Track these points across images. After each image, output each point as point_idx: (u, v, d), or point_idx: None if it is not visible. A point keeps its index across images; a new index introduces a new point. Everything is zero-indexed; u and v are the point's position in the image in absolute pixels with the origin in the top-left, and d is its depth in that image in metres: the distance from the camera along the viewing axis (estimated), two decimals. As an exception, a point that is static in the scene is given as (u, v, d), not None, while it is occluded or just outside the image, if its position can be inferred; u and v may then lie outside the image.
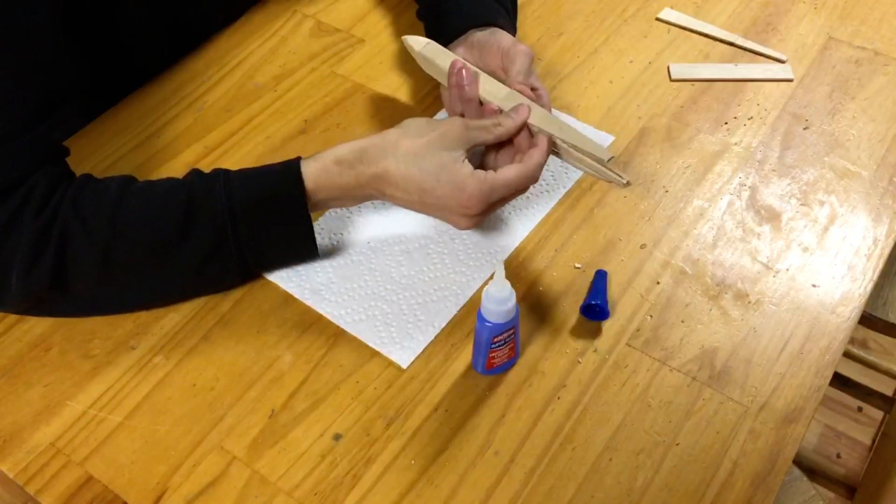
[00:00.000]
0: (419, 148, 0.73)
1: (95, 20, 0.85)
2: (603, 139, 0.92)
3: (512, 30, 0.89)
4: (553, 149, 0.76)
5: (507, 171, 0.73)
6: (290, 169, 0.74)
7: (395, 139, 0.74)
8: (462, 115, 0.80)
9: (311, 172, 0.74)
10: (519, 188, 0.74)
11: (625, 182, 0.74)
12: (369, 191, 0.75)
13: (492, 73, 0.82)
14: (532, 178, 0.74)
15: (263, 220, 0.74)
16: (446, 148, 0.73)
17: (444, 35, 0.88)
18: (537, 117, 0.76)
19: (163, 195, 0.73)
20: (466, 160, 0.73)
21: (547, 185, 0.87)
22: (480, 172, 0.72)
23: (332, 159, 0.74)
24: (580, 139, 0.75)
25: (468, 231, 0.82)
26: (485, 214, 0.74)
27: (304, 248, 0.78)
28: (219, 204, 0.72)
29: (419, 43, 0.84)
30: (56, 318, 0.76)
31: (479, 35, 0.86)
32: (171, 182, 0.75)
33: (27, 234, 0.69)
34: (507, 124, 0.75)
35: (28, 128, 0.71)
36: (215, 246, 0.73)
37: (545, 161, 0.75)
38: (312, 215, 0.75)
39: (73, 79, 0.78)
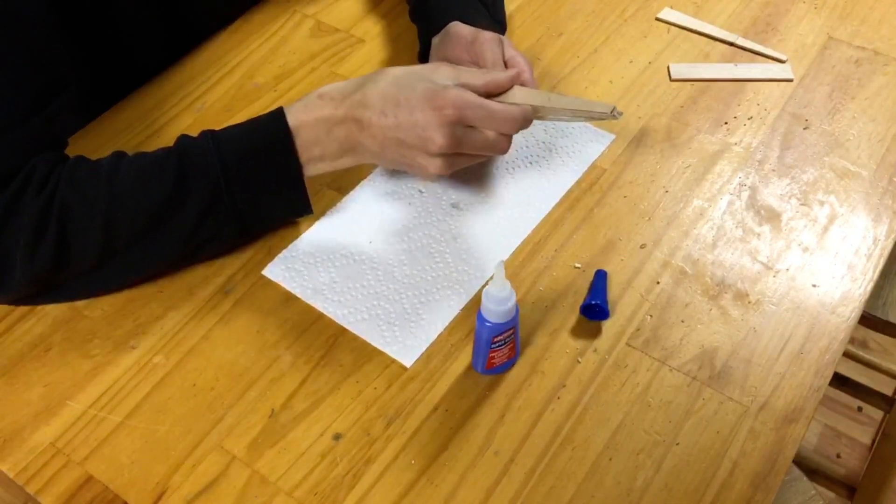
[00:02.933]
0: (403, 71, 0.74)
1: (91, 15, 0.85)
2: (603, 139, 0.92)
3: (479, 16, 0.89)
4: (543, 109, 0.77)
5: (489, 101, 0.73)
6: (274, 116, 0.74)
7: (380, 70, 0.75)
8: None
9: (296, 109, 0.74)
10: (495, 123, 0.73)
11: (610, 112, 0.75)
12: (351, 127, 0.73)
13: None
14: (511, 119, 0.74)
15: (254, 169, 0.74)
16: (432, 75, 0.73)
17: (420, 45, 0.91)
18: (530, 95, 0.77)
19: (155, 161, 0.74)
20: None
21: (547, 184, 0.87)
22: (460, 87, 0.72)
23: (316, 94, 0.75)
24: (574, 103, 0.77)
25: (468, 231, 0.82)
26: (459, 141, 0.73)
27: (295, 195, 0.77)
28: (209, 158, 0.73)
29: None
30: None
31: (436, 40, 0.87)
32: (161, 149, 0.76)
33: (28, 214, 0.70)
34: (499, 75, 0.75)
35: (25, 118, 0.72)
36: (211, 202, 0.74)
37: (527, 116, 0.75)
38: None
39: (69, 70, 0.78)
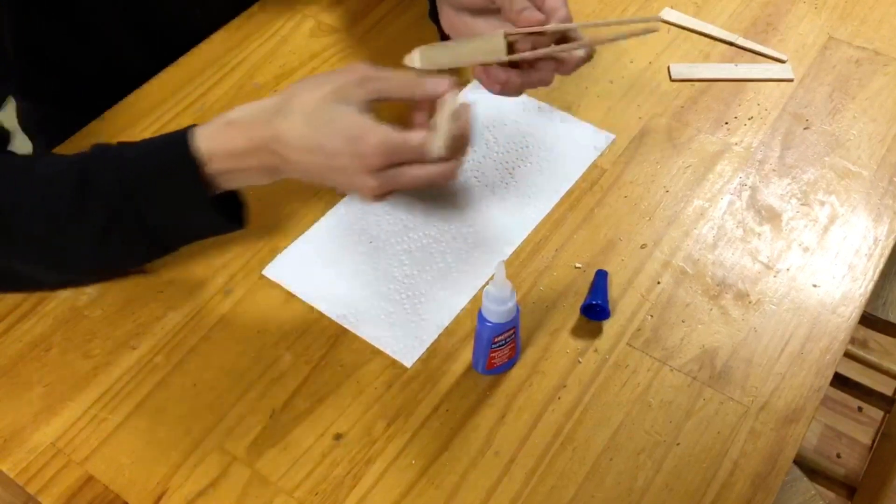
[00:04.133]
0: (314, 103, 0.66)
1: (61, 25, 0.86)
2: (603, 139, 0.92)
3: None
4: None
5: (414, 133, 0.66)
6: (180, 139, 0.68)
7: (288, 97, 0.68)
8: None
9: (205, 137, 0.68)
10: (428, 157, 0.67)
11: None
12: (267, 157, 0.68)
13: (487, 11, 0.77)
14: (437, 150, 0.66)
15: (159, 192, 0.69)
16: (342, 101, 0.66)
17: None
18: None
19: (59, 172, 0.70)
20: (365, 112, 0.67)
21: (547, 184, 0.87)
22: (384, 126, 0.66)
23: (224, 122, 0.69)
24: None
25: (469, 231, 0.82)
26: (390, 181, 0.67)
27: (207, 220, 0.72)
28: (108, 177, 0.69)
29: (414, 61, 0.77)
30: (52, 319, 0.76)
31: None
32: (74, 156, 0.72)
33: None
34: (420, 86, 0.68)
35: None
36: (112, 219, 0.69)
37: (465, 134, 0.69)
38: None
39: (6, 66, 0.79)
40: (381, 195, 0.68)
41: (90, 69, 0.91)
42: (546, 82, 0.76)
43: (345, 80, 0.68)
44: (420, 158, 0.67)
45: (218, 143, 0.68)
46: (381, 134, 0.65)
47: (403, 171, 0.67)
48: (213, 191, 0.70)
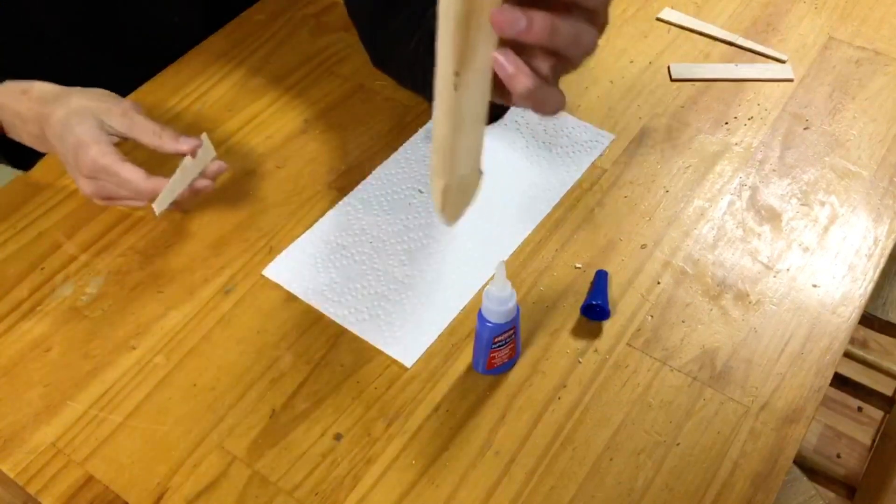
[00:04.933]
0: (78, 107, 0.77)
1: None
2: (603, 138, 0.92)
3: None
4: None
5: (130, 170, 0.75)
6: None
7: (70, 93, 0.78)
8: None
9: (3, 91, 0.80)
10: (127, 191, 0.76)
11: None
12: (37, 129, 0.79)
13: None
14: (140, 192, 0.75)
15: None
16: (97, 116, 0.76)
17: None
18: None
19: None
20: (104, 134, 0.76)
21: (547, 184, 0.87)
22: (112, 152, 0.75)
23: (21, 89, 0.80)
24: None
25: (469, 231, 0.83)
26: (102, 191, 0.77)
27: None
28: None
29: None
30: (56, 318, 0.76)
31: None
32: None
33: None
34: (164, 142, 0.76)
35: None
36: None
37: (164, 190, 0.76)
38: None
39: None
40: (99, 199, 0.78)
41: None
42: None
43: (111, 105, 0.78)
44: (125, 190, 0.76)
45: (10, 100, 0.80)
46: (99, 153, 0.74)
47: (113, 190, 0.77)
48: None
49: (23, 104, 0.79)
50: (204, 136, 0.75)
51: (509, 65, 0.47)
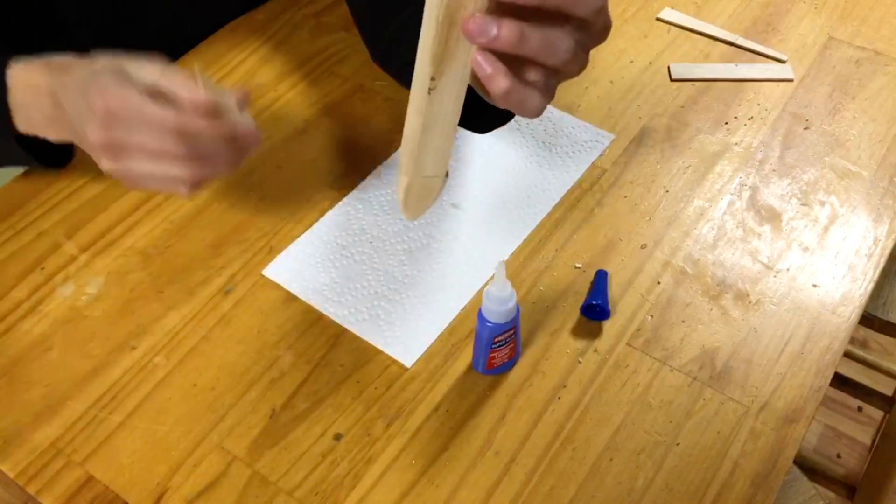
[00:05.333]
0: (107, 64, 0.64)
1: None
2: (603, 138, 0.92)
3: None
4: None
5: (150, 104, 0.61)
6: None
7: (100, 58, 0.66)
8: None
9: (18, 66, 0.70)
10: (152, 138, 0.61)
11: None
12: (52, 102, 0.68)
13: None
14: (162, 125, 0.61)
15: None
16: (128, 68, 0.63)
17: None
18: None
19: None
20: (129, 82, 0.62)
21: (547, 184, 0.87)
22: (130, 86, 0.62)
23: (44, 61, 0.70)
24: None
25: (469, 231, 0.82)
26: (107, 139, 0.62)
27: (7, 145, 0.74)
28: None
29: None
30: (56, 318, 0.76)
31: None
32: None
33: None
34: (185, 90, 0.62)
35: None
36: None
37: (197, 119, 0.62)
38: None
39: None
40: (110, 155, 0.63)
41: None
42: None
43: (139, 58, 0.65)
44: (146, 126, 0.62)
45: (25, 74, 0.70)
46: (118, 87, 0.62)
47: (127, 137, 0.63)
48: (10, 120, 0.71)
49: (42, 76, 0.69)
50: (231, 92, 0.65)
51: (487, 66, 0.48)
